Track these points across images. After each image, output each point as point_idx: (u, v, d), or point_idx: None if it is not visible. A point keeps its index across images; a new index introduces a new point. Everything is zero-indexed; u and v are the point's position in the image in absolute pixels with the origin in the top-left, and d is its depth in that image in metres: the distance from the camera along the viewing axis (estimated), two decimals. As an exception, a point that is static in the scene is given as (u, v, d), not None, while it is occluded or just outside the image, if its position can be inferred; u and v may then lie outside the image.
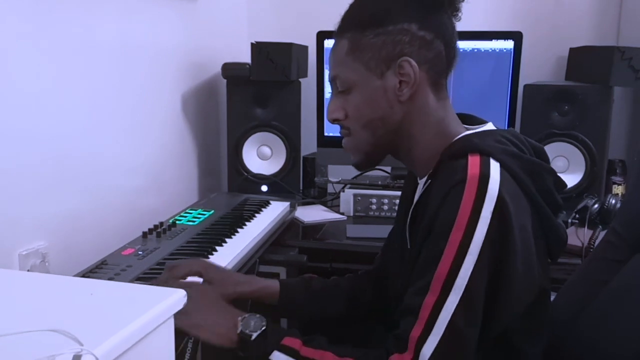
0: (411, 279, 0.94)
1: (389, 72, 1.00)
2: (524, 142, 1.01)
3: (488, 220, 0.87)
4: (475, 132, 1.01)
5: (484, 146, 0.93)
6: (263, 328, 0.94)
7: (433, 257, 0.88)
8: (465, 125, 1.06)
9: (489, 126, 1.05)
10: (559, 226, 1.00)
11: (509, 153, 0.94)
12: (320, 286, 1.20)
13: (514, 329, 0.95)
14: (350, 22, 1.03)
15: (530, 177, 0.95)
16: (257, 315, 0.97)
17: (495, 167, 0.91)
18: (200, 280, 1.10)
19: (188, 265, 1.11)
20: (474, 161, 0.91)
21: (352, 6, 1.05)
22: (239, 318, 0.96)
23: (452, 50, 1.02)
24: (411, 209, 1.04)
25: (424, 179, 1.02)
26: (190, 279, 1.10)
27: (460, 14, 1.03)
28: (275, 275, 1.53)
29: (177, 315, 0.97)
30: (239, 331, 0.95)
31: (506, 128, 1.97)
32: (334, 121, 1.06)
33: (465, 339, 0.87)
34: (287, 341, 0.93)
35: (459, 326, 0.86)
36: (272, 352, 0.92)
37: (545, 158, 1.03)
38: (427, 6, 1.00)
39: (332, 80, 1.06)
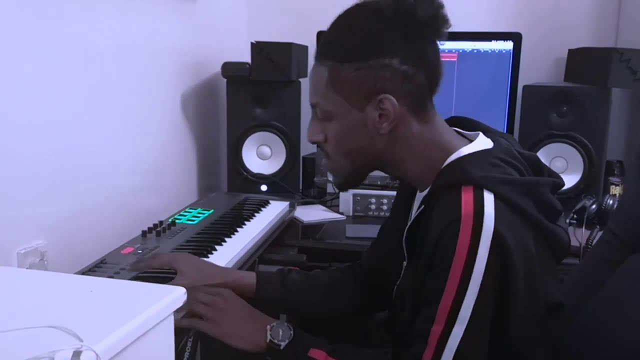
0: (416, 301, 0.96)
1: (369, 106, 0.98)
2: (517, 157, 0.99)
3: (486, 256, 0.88)
4: (470, 155, 0.99)
5: (477, 177, 0.93)
6: (291, 337, 1.00)
7: (436, 289, 0.91)
8: (459, 131, 1.05)
9: (483, 141, 1.02)
10: (560, 233, 1.00)
11: (504, 180, 0.94)
12: (297, 279, 1.21)
13: (520, 339, 0.97)
14: (330, 51, 1.00)
15: (528, 197, 0.95)
16: (285, 324, 1.02)
17: (489, 201, 0.90)
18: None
19: (163, 258, 1.15)
20: (467, 197, 0.91)
21: (332, 33, 1.01)
22: (268, 327, 1.01)
23: (434, 79, 1.00)
24: (407, 227, 1.03)
25: (423, 193, 1.03)
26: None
27: (445, 37, 0.99)
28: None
29: (208, 324, 1.02)
30: (268, 340, 1.00)
31: (505, 129, 1.96)
32: (313, 142, 1.07)
33: None
34: (313, 353, 0.99)
35: (466, 353, 0.89)
36: None
37: (539, 167, 1.02)
38: (410, 37, 0.96)
39: (312, 105, 1.05)
